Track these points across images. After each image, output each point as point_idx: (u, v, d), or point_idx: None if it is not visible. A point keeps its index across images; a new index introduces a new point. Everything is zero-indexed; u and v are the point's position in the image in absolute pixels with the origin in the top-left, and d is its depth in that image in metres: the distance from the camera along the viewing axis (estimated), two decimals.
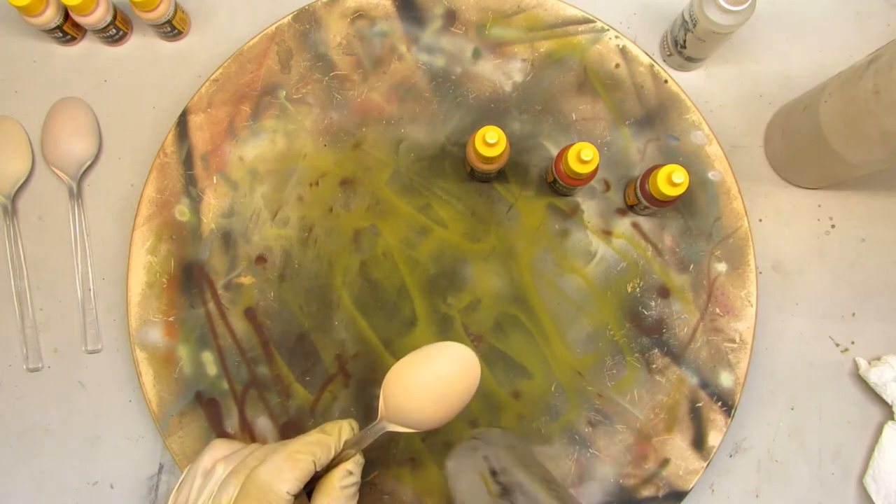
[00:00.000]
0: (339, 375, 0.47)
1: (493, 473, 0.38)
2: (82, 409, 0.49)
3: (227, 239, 0.48)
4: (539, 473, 0.39)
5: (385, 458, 0.46)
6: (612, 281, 0.48)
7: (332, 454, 0.37)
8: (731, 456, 0.48)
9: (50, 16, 0.49)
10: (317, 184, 0.49)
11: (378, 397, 0.46)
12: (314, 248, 0.48)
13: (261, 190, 0.49)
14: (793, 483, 0.48)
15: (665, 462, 0.45)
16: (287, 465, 0.35)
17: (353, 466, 0.37)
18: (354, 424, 0.39)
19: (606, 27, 0.50)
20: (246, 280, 0.48)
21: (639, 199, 0.45)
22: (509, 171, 0.49)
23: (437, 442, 0.46)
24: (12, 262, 0.50)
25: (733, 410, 0.46)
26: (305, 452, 0.36)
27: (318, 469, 0.36)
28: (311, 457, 0.36)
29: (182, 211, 0.48)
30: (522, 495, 0.37)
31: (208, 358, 0.47)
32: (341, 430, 0.38)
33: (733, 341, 0.46)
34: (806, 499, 0.48)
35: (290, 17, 0.50)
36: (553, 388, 0.47)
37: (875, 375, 0.47)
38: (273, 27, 0.50)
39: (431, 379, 0.37)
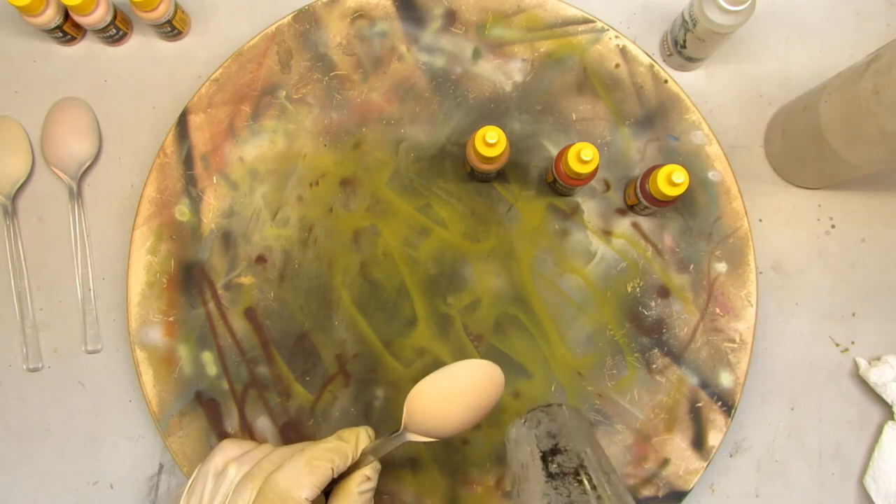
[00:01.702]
0: (339, 375, 0.47)
1: (554, 452, 0.37)
2: (82, 409, 0.49)
3: (227, 239, 0.48)
4: (600, 462, 0.37)
5: (386, 458, 0.46)
6: (612, 281, 0.48)
7: (349, 462, 0.37)
8: (731, 456, 0.48)
9: (50, 16, 0.49)
10: (317, 184, 0.49)
11: (378, 397, 0.47)
12: (314, 248, 0.48)
13: (261, 190, 0.49)
14: (793, 483, 0.48)
15: (665, 462, 0.45)
16: (306, 471, 0.35)
17: (370, 472, 0.38)
18: (371, 432, 0.39)
19: (606, 27, 0.50)
20: (246, 280, 0.48)
21: (639, 199, 0.45)
22: (509, 171, 0.49)
23: (437, 443, 0.46)
24: (12, 262, 0.50)
25: (733, 410, 0.46)
26: (324, 460, 0.36)
27: (335, 476, 0.36)
28: (329, 464, 0.36)
29: (182, 211, 0.48)
30: (577, 481, 0.36)
31: (208, 358, 0.47)
32: (359, 439, 0.38)
33: (733, 341, 0.47)
34: (806, 499, 0.48)
35: (289, 18, 0.50)
36: (553, 388, 0.47)
37: (875, 375, 0.47)
38: (273, 27, 0.50)
39: (457, 392, 0.37)
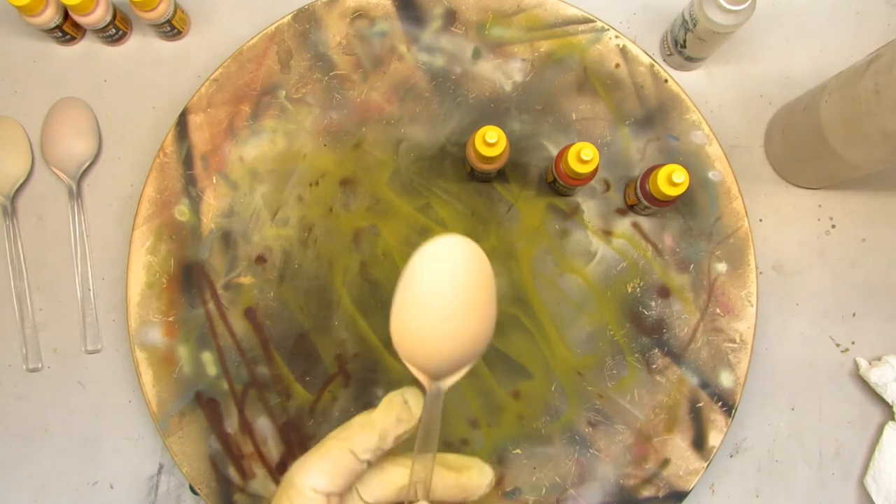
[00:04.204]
0: (339, 375, 0.47)
1: None
2: (82, 409, 0.49)
3: (227, 239, 0.48)
4: None
5: None
6: (612, 281, 0.48)
7: (379, 440, 0.29)
8: (731, 456, 0.48)
9: (49, 15, 0.49)
10: (317, 184, 0.49)
11: (379, 397, 0.47)
12: (314, 248, 0.48)
13: (261, 190, 0.49)
14: (793, 483, 0.48)
15: (665, 462, 0.45)
16: (314, 455, 0.29)
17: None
18: (415, 393, 0.30)
19: (606, 27, 0.50)
20: (246, 280, 0.48)
21: (639, 199, 0.45)
22: (509, 171, 0.49)
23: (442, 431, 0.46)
24: (12, 262, 0.50)
25: (733, 410, 0.46)
26: (339, 439, 0.29)
27: (366, 458, 0.29)
28: (344, 444, 0.29)
29: (182, 211, 0.48)
30: None
31: (208, 358, 0.47)
32: (392, 404, 0.30)
33: (733, 341, 0.46)
34: (806, 499, 0.48)
35: (289, 17, 0.50)
36: (553, 388, 0.47)
37: (875, 375, 0.47)
38: (273, 27, 0.50)
39: (441, 294, 0.28)
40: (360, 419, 0.30)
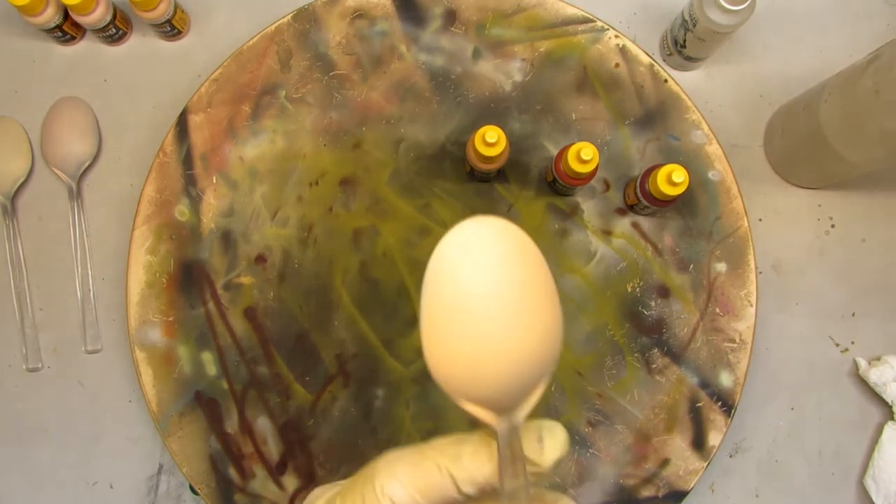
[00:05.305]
0: (339, 375, 0.47)
1: None
2: (82, 409, 0.49)
3: (227, 239, 0.48)
4: None
5: None
6: (611, 281, 0.48)
7: (495, 475, 0.23)
8: (731, 456, 0.48)
9: (49, 15, 0.49)
10: (317, 184, 0.49)
11: (378, 397, 0.47)
12: (314, 248, 0.48)
13: (260, 190, 0.49)
14: (793, 483, 0.48)
15: (665, 462, 0.45)
16: (408, 459, 0.24)
17: None
18: (553, 432, 0.25)
19: (606, 27, 0.50)
20: (246, 280, 0.48)
21: (639, 198, 0.45)
22: (509, 171, 0.49)
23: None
24: (12, 262, 0.50)
25: (733, 410, 0.46)
26: (444, 453, 0.23)
27: (467, 491, 0.24)
28: (447, 463, 0.23)
29: (182, 211, 0.48)
30: None
31: (208, 358, 0.47)
32: (524, 437, 0.24)
33: (733, 341, 0.46)
34: (806, 499, 0.48)
35: (289, 17, 0.50)
36: (553, 388, 0.47)
37: (875, 375, 0.47)
38: (273, 27, 0.50)
39: (494, 301, 0.22)
40: (477, 438, 0.24)
